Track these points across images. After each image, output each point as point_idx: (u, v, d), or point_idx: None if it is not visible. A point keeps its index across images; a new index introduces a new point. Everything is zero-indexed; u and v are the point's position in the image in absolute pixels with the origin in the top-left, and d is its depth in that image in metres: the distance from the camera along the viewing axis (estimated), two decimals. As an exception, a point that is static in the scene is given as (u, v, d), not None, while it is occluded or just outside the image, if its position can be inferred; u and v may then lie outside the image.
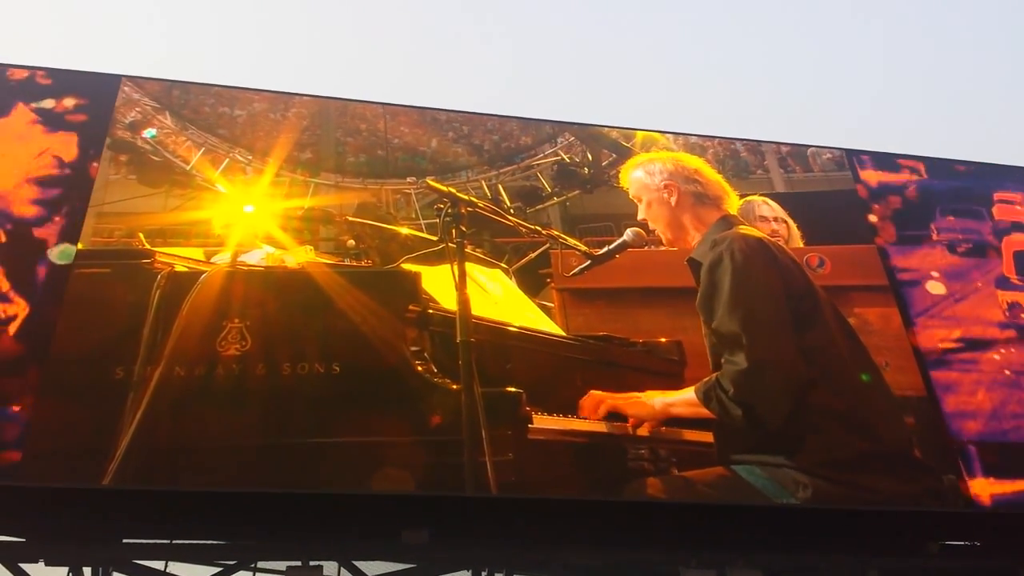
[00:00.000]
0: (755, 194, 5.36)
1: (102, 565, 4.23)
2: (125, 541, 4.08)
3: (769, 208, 5.27)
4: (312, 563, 4.08)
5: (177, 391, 3.76)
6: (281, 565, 4.27)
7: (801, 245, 5.13)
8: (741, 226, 4.52)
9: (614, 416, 4.12)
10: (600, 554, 4.43)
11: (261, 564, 4.63)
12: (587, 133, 5.67)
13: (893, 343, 4.92)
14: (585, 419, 4.08)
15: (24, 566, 4.00)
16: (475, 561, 4.48)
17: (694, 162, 4.84)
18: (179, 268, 4.01)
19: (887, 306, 5.08)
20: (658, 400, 4.18)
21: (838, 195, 5.68)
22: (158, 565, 4.27)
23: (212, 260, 4.23)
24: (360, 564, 4.38)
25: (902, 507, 4.28)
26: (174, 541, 4.15)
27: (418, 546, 4.10)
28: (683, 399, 4.20)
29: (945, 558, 4.64)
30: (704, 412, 4.16)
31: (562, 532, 4.28)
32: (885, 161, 5.88)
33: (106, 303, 3.99)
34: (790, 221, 5.22)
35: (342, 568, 4.41)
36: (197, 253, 4.24)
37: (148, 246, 4.23)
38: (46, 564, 3.95)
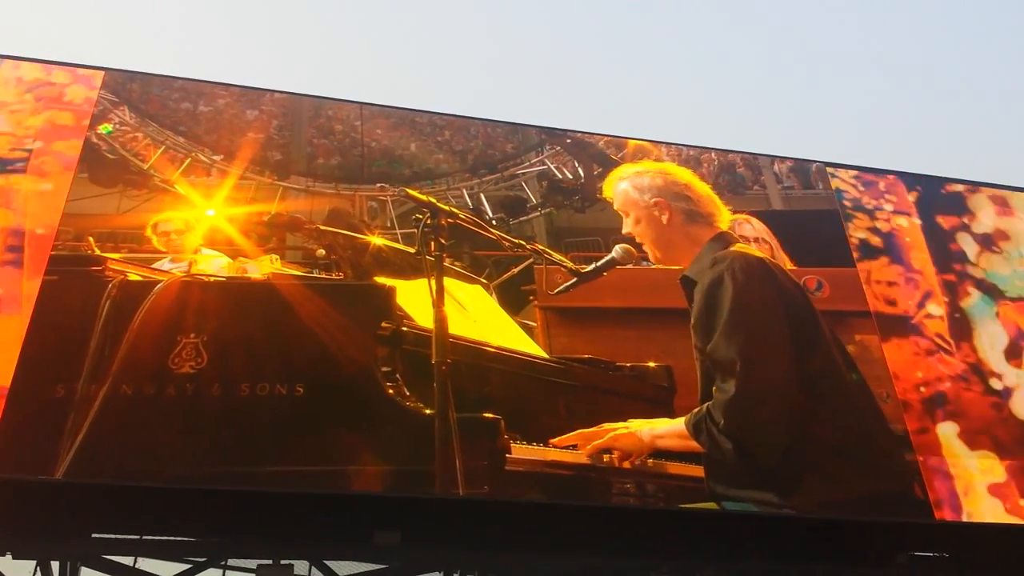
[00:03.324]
0: (747, 212, 5.14)
1: (70, 559, 4.16)
2: (94, 536, 3.89)
3: (751, 228, 5.05)
4: (283, 562, 3.96)
5: (123, 412, 3.46)
6: (252, 563, 4.18)
7: (790, 267, 4.89)
8: (738, 244, 4.31)
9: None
10: (571, 559, 4.31)
11: (231, 562, 4.55)
12: (574, 145, 5.40)
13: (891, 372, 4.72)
14: (567, 449, 3.83)
15: (-9, 560, 3.88)
16: (447, 563, 4.39)
17: (684, 175, 4.58)
18: (132, 277, 3.71)
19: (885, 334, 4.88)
20: (646, 431, 3.94)
21: (828, 214, 5.44)
22: (127, 561, 4.18)
23: (153, 266, 3.94)
24: (332, 564, 4.31)
25: (871, 518, 4.20)
26: (144, 536, 3.97)
27: (390, 547, 3.95)
28: (672, 430, 3.96)
29: (914, 569, 4.55)
30: (691, 445, 3.93)
31: (534, 537, 4.11)
32: (867, 178, 5.69)
33: (51, 313, 3.68)
34: (772, 242, 5.00)
35: (313, 567, 4.35)
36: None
37: (98, 251, 3.93)
38: (13, 557, 3.82)
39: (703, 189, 4.48)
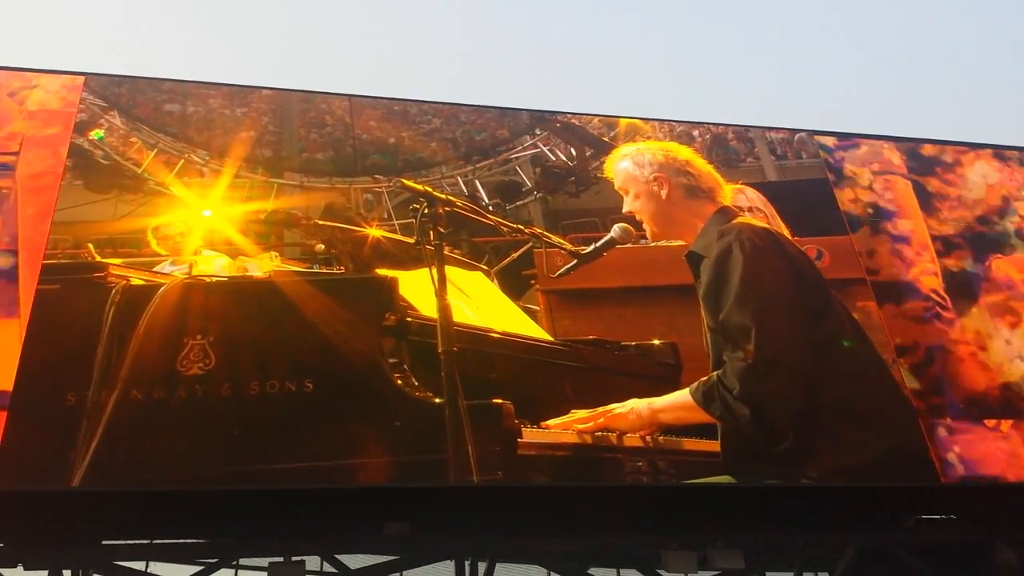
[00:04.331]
0: (742, 183, 5.14)
1: (82, 568, 4.17)
2: (105, 543, 3.95)
3: (745, 197, 5.05)
4: (294, 558, 3.98)
5: (135, 417, 3.46)
6: (263, 561, 4.19)
7: (787, 236, 4.90)
8: (742, 216, 4.32)
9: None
10: (582, 540, 4.36)
11: (243, 561, 4.59)
12: (565, 128, 5.39)
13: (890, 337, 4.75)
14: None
15: (3, 571, 3.85)
16: (457, 551, 4.39)
17: (684, 153, 4.58)
18: (135, 281, 3.69)
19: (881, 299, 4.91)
20: (644, 407, 3.92)
21: (821, 183, 5.45)
22: (139, 566, 4.20)
23: (154, 270, 3.92)
24: (343, 558, 4.33)
25: (876, 483, 4.23)
26: (154, 541, 4.02)
27: (401, 538, 3.99)
28: (674, 403, 3.95)
29: (921, 532, 4.60)
30: (696, 417, 3.93)
31: (543, 520, 4.14)
32: (856, 142, 5.71)
33: (55, 323, 3.68)
34: (767, 210, 5.00)
35: (325, 562, 4.37)
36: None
37: (98, 257, 3.92)
38: (25, 568, 3.83)
39: (704, 166, 4.49)
